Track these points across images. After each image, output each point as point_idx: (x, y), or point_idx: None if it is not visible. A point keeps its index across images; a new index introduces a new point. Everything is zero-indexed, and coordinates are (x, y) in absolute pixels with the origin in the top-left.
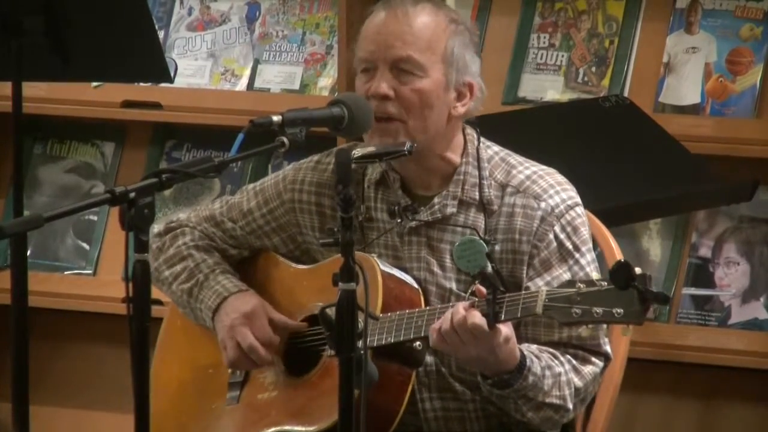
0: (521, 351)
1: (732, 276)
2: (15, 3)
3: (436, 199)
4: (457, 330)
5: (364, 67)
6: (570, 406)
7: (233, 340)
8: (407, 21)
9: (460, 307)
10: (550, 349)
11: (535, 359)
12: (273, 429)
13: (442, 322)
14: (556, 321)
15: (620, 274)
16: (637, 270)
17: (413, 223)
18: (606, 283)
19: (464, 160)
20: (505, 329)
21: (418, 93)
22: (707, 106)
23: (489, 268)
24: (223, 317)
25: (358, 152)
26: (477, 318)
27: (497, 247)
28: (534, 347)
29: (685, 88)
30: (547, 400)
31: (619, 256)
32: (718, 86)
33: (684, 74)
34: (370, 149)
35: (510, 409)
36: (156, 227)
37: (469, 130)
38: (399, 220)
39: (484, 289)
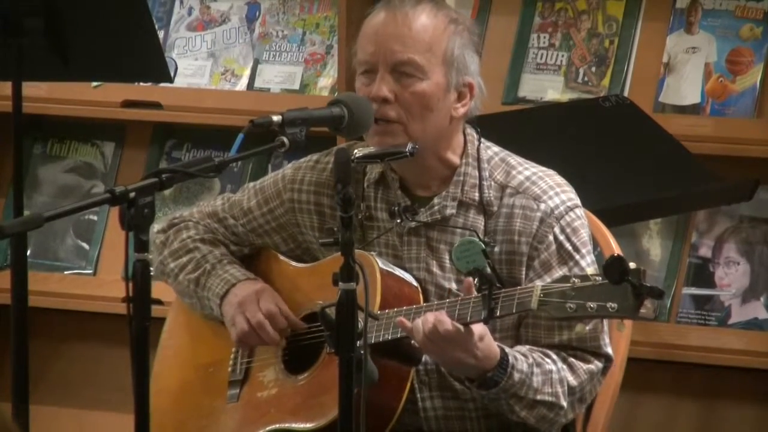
0: (502, 349)
1: (732, 276)
2: (15, 3)
3: (435, 200)
4: (431, 339)
5: (364, 69)
6: (564, 403)
7: (243, 315)
8: (407, 23)
9: (430, 317)
10: (543, 349)
11: (520, 357)
12: (273, 426)
13: (415, 334)
14: (555, 321)
15: (614, 269)
16: (632, 264)
17: (413, 224)
18: (600, 278)
19: (464, 161)
20: (478, 328)
21: (419, 96)
22: (707, 106)
23: (487, 269)
24: (231, 298)
25: (359, 152)
26: (447, 324)
27: (496, 248)
28: (525, 348)
29: (685, 88)
30: (539, 397)
31: None
32: (718, 86)
33: (684, 74)
34: (371, 150)
35: (504, 411)
36: (157, 225)
37: (469, 130)
38: (399, 221)
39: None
